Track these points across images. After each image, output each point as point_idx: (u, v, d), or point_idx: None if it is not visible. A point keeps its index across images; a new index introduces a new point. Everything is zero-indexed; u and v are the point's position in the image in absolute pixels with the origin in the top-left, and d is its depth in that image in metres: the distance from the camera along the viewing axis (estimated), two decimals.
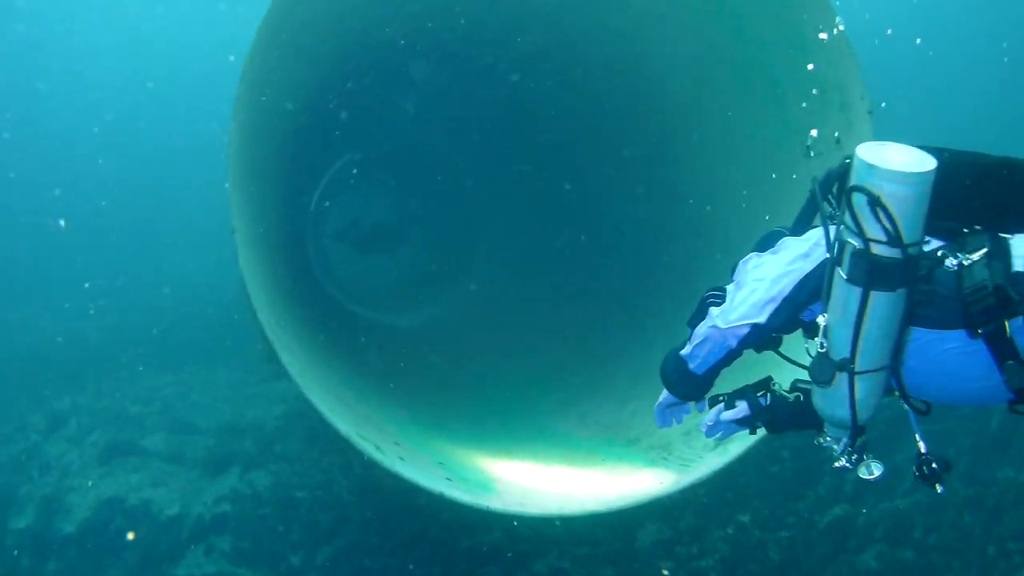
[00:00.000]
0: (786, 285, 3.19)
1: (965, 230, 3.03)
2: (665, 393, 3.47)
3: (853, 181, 2.91)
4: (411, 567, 6.90)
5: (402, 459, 4.41)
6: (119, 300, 12.40)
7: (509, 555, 6.77)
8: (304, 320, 5.61)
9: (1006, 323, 2.69)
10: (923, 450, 3.11)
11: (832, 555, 7.42)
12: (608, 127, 6.53)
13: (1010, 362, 2.64)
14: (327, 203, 7.82)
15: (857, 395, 3.03)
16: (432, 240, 8.50)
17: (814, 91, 4.74)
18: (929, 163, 2.86)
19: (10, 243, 15.36)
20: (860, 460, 3.16)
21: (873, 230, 2.87)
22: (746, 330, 3.17)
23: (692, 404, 3.49)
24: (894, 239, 2.85)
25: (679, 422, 3.53)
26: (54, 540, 7.43)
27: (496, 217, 7.79)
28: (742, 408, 3.30)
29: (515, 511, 4.54)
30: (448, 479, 4.54)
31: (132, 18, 24.99)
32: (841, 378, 3.05)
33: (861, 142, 4.23)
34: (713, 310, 3.30)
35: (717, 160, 5.87)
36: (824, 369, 3.05)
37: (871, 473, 3.11)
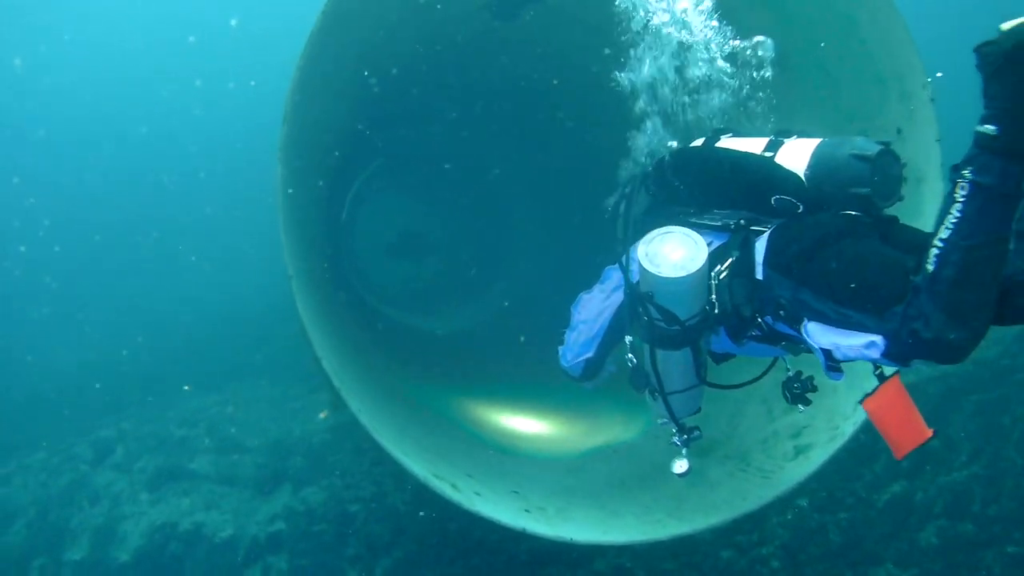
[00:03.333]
0: (602, 322, 4.27)
1: (734, 223, 3.94)
2: None
3: (640, 283, 3.94)
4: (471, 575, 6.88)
5: (478, 494, 4.29)
6: (151, 324, 12.40)
7: (569, 556, 6.73)
8: (358, 349, 5.53)
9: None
10: (790, 374, 4.03)
11: (893, 533, 7.35)
12: None
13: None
14: (359, 213, 7.78)
15: (672, 408, 4.24)
16: (467, 246, 8.44)
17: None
18: (698, 261, 3.76)
19: (39, 271, 15.39)
20: (688, 443, 4.37)
21: (655, 314, 3.89)
22: (582, 366, 4.32)
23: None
24: (672, 320, 3.89)
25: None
26: (110, 570, 7.44)
27: (531, 224, 7.73)
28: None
29: (600, 541, 4.35)
30: (527, 511, 4.40)
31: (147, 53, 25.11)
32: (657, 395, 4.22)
33: (924, 130, 4.17)
34: (560, 348, 4.39)
35: None
36: (638, 382, 4.25)
37: (676, 469, 4.32)
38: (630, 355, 4.17)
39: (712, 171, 4.13)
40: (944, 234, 2.92)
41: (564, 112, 6.69)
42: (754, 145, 3.90)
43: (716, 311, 3.85)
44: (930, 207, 4.40)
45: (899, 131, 4.42)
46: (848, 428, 4.60)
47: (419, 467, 4.07)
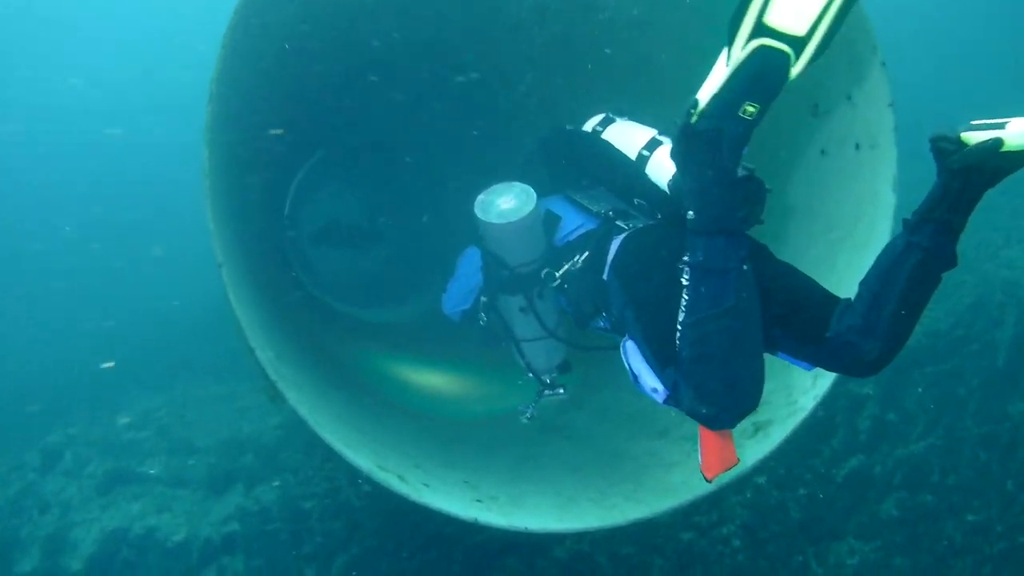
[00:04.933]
0: (476, 277, 4.63)
1: (604, 212, 4.11)
2: None
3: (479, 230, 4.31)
4: (429, 568, 6.77)
5: (427, 485, 4.12)
6: (95, 326, 12.14)
7: (528, 545, 6.65)
8: (299, 338, 5.36)
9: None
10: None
11: (853, 507, 7.35)
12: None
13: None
14: (302, 206, 7.60)
15: (526, 356, 4.68)
16: (413, 236, 8.27)
17: None
18: (519, 213, 4.14)
19: None
20: (550, 392, 4.78)
21: (488, 259, 4.37)
22: (459, 315, 4.81)
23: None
24: (500, 264, 4.32)
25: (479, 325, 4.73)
26: None
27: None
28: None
29: (555, 529, 4.21)
30: (478, 500, 4.25)
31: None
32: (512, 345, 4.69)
33: (876, 95, 4.07)
34: (443, 295, 4.87)
35: None
36: (486, 338, 4.76)
37: (523, 413, 4.80)
38: (481, 314, 4.63)
39: (588, 160, 4.26)
40: (680, 317, 3.10)
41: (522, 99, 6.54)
42: (639, 138, 3.93)
43: (556, 278, 4.15)
44: (882, 173, 4.31)
45: (849, 97, 4.31)
46: (808, 402, 4.46)
47: (364, 459, 3.91)
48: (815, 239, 4.78)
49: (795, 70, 2.87)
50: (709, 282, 3.03)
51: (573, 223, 4.29)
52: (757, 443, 4.54)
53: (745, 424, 4.70)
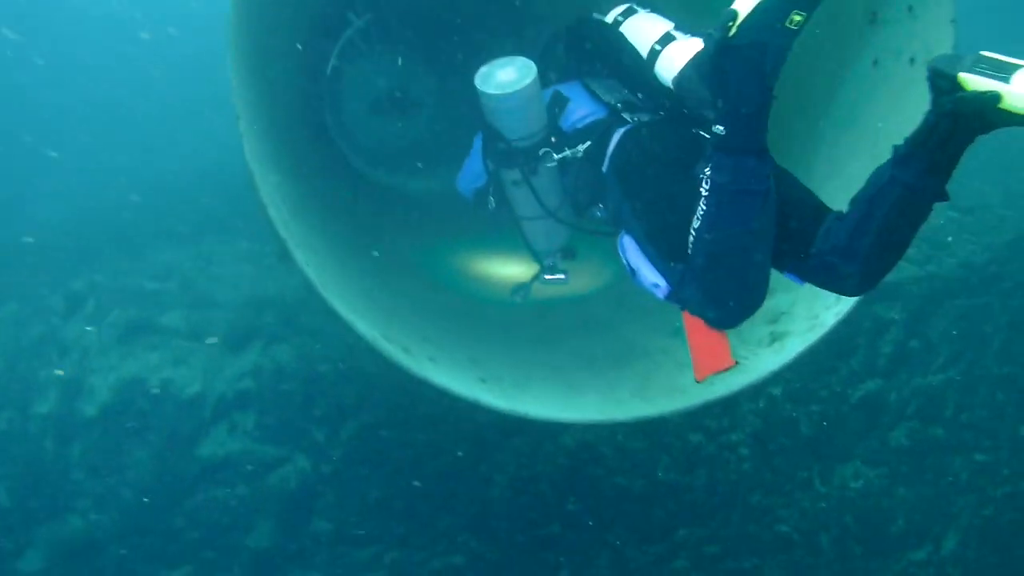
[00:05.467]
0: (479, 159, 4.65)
1: (612, 103, 4.16)
2: None
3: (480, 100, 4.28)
4: (439, 442, 6.83)
5: (432, 360, 4.05)
6: (131, 177, 12.05)
7: (536, 428, 6.68)
8: (321, 198, 5.27)
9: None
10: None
11: (863, 431, 7.33)
12: None
13: None
14: (341, 66, 7.46)
15: (526, 234, 4.74)
16: (455, 103, 8.11)
17: None
18: (516, 85, 4.10)
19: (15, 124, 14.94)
20: (550, 276, 4.88)
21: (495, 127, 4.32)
22: (472, 192, 4.82)
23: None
24: (498, 136, 4.33)
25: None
26: (77, 423, 7.34)
27: None
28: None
29: (557, 418, 4.13)
30: (482, 380, 4.17)
31: None
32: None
33: (938, 9, 3.88)
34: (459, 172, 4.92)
35: None
36: (478, 200, 4.79)
37: (517, 292, 4.97)
38: (490, 196, 4.68)
39: (604, 50, 4.27)
40: (695, 224, 3.11)
41: None
42: (653, 32, 3.87)
43: (554, 160, 4.24)
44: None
45: (910, 8, 4.10)
46: (829, 319, 4.30)
47: (369, 326, 3.84)
48: (858, 153, 4.58)
49: None
50: (737, 202, 2.99)
51: (582, 109, 4.28)
52: (773, 353, 4.40)
53: (762, 332, 4.61)
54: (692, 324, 3.84)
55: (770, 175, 3.00)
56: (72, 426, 7.39)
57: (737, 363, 3.81)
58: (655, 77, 3.78)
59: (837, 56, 4.73)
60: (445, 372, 4.02)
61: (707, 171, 3.01)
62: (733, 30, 2.74)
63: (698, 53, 3.48)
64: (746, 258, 3.11)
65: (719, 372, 3.76)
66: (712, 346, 3.83)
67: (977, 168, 8.85)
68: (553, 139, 4.30)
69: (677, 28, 3.84)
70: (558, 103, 4.36)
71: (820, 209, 3.31)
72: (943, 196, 2.84)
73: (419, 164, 7.55)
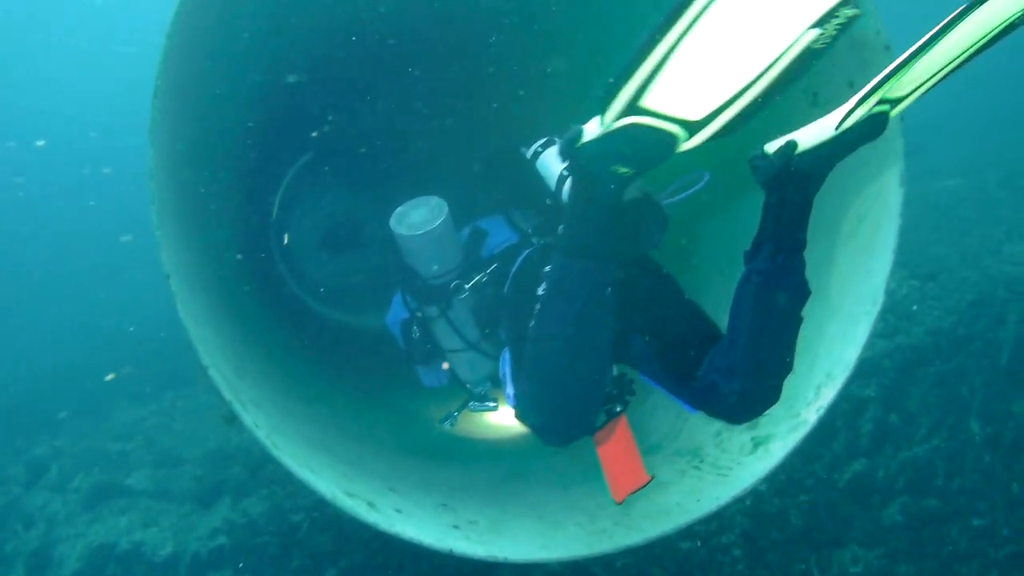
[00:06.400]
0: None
1: (525, 229, 4.26)
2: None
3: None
4: None
5: (399, 511, 3.87)
6: (87, 337, 11.97)
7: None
8: (267, 349, 5.13)
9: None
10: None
11: (856, 513, 7.16)
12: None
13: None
14: (291, 210, 7.41)
15: (453, 366, 4.69)
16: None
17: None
18: (425, 227, 4.19)
19: None
20: (478, 404, 4.73)
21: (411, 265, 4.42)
22: (399, 327, 4.80)
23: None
24: (413, 274, 4.42)
25: (443, 382, 4.87)
26: None
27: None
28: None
29: (538, 559, 3.95)
30: (455, 527, 3.99)
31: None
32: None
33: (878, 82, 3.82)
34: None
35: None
36: (412, 353, 4.79)
37: (443, 421, 4.85)
38: (414, 328, 4.68)
39: (516, 180, 4.24)
40: (531, 324, 3.13)
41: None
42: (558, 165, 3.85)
43: (465, 290, 4.24)
44: (887, 166, 4.04)
45: (851, 85, 4.03)
46: (810, 415, 4.13)
47: (329, 483, 3.66)
48: (815, 239, 4.47)
49: (688, 145, 2.64)
50: (559, 303, 3.00)
51: (500, 238, 4.35)
52: (758, 460, 4.22)
53: (743, 439, 4.47)
54: (603, 445, 3.86)
55: (607, 285, 3.00)
56: None
57: (653, 478, 3.82)
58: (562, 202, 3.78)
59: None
60: (415, 523, 3.82)
61: (546, 268, 3.07)
62: (579, 144, 2.73)
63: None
64: (566, 365, 3.07)
65: (637, 490, 3.74)
66: (626, 464, 3.83)
67: (932, 233, 8.90)
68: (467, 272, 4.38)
69: None
70: (476, 237, 4.45)
71: (714, 333, 3.29)
72: (804, 286, 2.88)
73: (371, 300, 7.49)
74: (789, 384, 3.98)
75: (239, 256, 5.70)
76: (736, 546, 6.84)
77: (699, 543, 6.78)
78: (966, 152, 11.04)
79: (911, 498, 7.23)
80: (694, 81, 2.42)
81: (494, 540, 3.90)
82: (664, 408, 5.23)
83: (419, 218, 4.28)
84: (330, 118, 6.69)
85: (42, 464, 8.64)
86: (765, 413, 3.21)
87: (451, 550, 3.59)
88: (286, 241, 7.20)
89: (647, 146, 2.62)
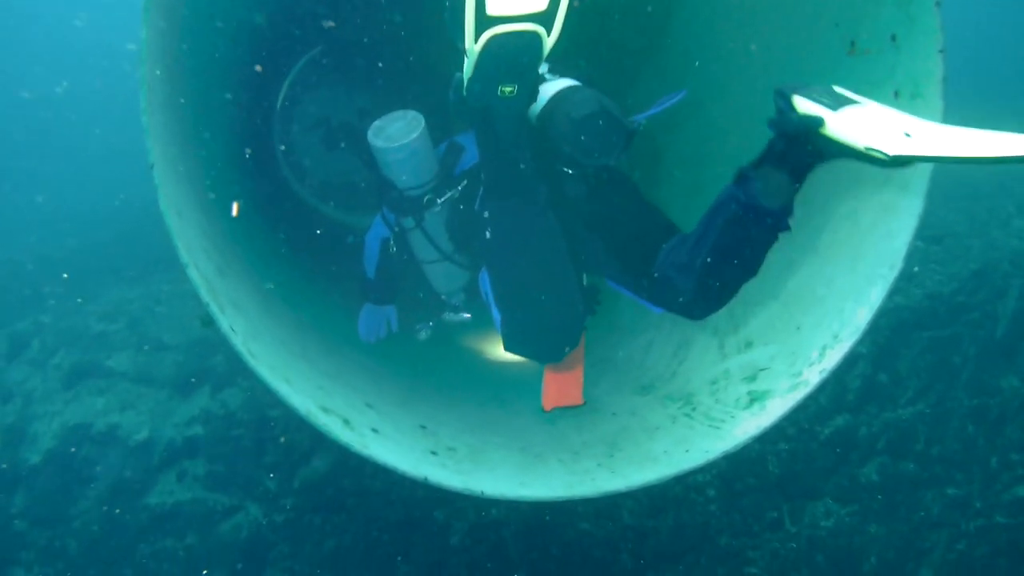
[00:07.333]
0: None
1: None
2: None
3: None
4: (394, 488, 6.61)
5: (376, 431, 3.75)
6: (79, 216, 11.80)
7: None
8: (256, 252, 4.99)
9: None
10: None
11: (833, 468, 7.17)
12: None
13: None
14: (294, 99, 7.24)
15: (428, 277, 4.83)
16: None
17: None
18: (401, 140, 4.19)
19: None
20: (453, 315, 5.04)
21: (387, 177, 4.45)
22: (378, 243, 4.84)
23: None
24: (389, 185, 4.46)
25: (382, 335, 5.14)
26: (20, 471, 7.06)
27: None
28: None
29: (515, 496, 3.83)
30: (433, 452, 3.87)
31: None
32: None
33: (926, 39, 3.64)
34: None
35: (732, 62, 5.09)
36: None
37: (419, 330, 5.18)
38: (391, 243, 4.80)
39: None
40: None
41: None
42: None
43: (437, 204, 4.37)
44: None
45: (893, 38, 3.84)
46: (812, 377, 4.00)
47: (304, 399, 3.54)
48: (839, 191, 4.26)
49: (551, 39, 2.81)
50: (503, 243, 3.32)
51: (474, 154, 4.36)
52: (752, 416, 4.02)
53: (740, 391, 4.30)
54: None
55: (543, 214, 3.29)
56: (15, 475, 7.11)
57: (584, 403, 4.21)
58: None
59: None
60: (391, 445, 3.70)
61: (485, 215, 3.34)
62: (464, 91, 2.99)
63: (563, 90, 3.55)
64: (531, 294, 3.39)
65: (566, 406, 4.11)
66: (565, 379, 4.16)
67: (942, 197, 8.74)
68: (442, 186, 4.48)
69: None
70: (453, 152, 4.49)
71: (669, 229, 3.45)
72: (782, 223, 2.91)
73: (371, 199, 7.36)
74: (795, 339, 3.87)
75: (247, 151, 5.57)
76: (711, 486, 6.85)
77: (675, 479, 6.77)
78: (984, 119, 10.85)
79: (890, 459, 7.24)
80: None
81: (472, 470, 3.78)
82: (660, 346, 5.13)
83: (396, 131, 4.30)
84: (335, 17, 6.54)
85: (24, 339, 8.54)
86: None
87: (426, 478, 3.49)
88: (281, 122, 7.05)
89: (515, 52, 2.78)
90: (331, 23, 6.23)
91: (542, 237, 3.30)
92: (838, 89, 2.72)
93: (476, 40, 2.71)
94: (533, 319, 3.62)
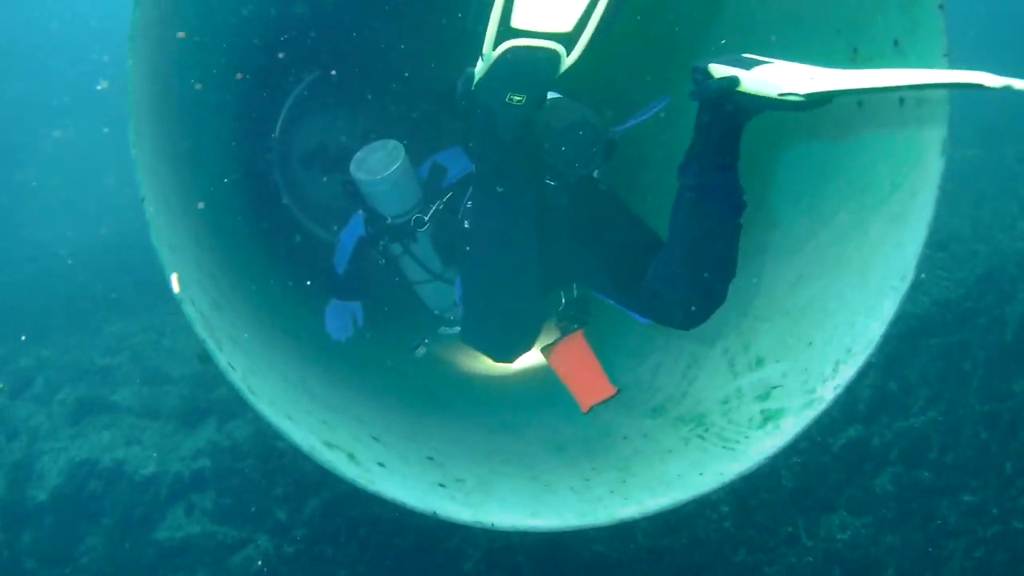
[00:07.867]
0: (359, 229, 4.83)
1: None
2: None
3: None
4: (406, 515, 6.54)
5: (382, 465, 3.70)
6: (81, 248, 11.76)
7: None
8: (257, 283, 4.94)
9: None
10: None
11: (847, 480, 7.11)
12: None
13: None
14: (291, 129, 7.22)
15: (420, 295, 4.80)
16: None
17: None
18: (381, 172, 4.24)
19: None
20: (448, 328, 5.01)
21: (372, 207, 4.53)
22: (353, 241, 4.83)
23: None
24: (378, 218, 4.52)
25: (351, 333, 5.11)
26: (27, 509, 7.00)
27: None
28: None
29: (527, 527, 3.74)
30: (441, 485, 3.80)
31: None
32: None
33: (929, 44, 3.58)
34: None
35: None
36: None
37: (415, 346, 5.11)
38: (380, 257, 4.81)
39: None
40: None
41: None
42: None
43: (424, 222, 4.35)
44: (928, 133, 3.75)
45: (896, 43, 3.77)
46: (827, 393, 3.85)
47: (307, 435, 3.45)
48: (845, 201, 4.24)
49: (570, 60, 2.83)
50: (482, 235, 3.40)
51: (457, 169, 4.44)
52: (767, 436, 3.92)
53: (752, 410, 4.21)
54: (559, 361, 4.17)
55: (525, 214, 3.31)
56: (22, 513, 7.05)
57: (619, 390, 4.12)
58: None
59: None
60: (397, 479, 3.62)
61: (468, 205, 3.49)
62: (474, 86, 2.99)
63: None
64: (494, 293, 3.46)
65: (604, 400, 4.05)
66: (587, 377, 4.12)
67: (945, 203, 8.69)
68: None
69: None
70: (436, 173, 4.50)
71: (656, 242, 3.47)
72: (735, 198, 2.97)
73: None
74: (806, 356, 3.80)
75: (228, 179, 5.55)
76: (725, 503, 6.79)
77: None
78: (987, 121, 10.77)
79: (903, 469, 7.17)
80: None
81: (482, 502, 3.68)
82: (669, 366, 5.06)
83: (376, 162, 4.34)
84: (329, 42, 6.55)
85: (28, 375, 8.50)
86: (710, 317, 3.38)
87: (435, 512, 3.42)
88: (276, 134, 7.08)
89: (531, 67, 2.81)
90: (327, 47, 6.22)
91: (517, 233, 3.35)
92: (747, 55, 2.81)
93: (495, 48, 2.76)
94: (493, 314, 3.73)
